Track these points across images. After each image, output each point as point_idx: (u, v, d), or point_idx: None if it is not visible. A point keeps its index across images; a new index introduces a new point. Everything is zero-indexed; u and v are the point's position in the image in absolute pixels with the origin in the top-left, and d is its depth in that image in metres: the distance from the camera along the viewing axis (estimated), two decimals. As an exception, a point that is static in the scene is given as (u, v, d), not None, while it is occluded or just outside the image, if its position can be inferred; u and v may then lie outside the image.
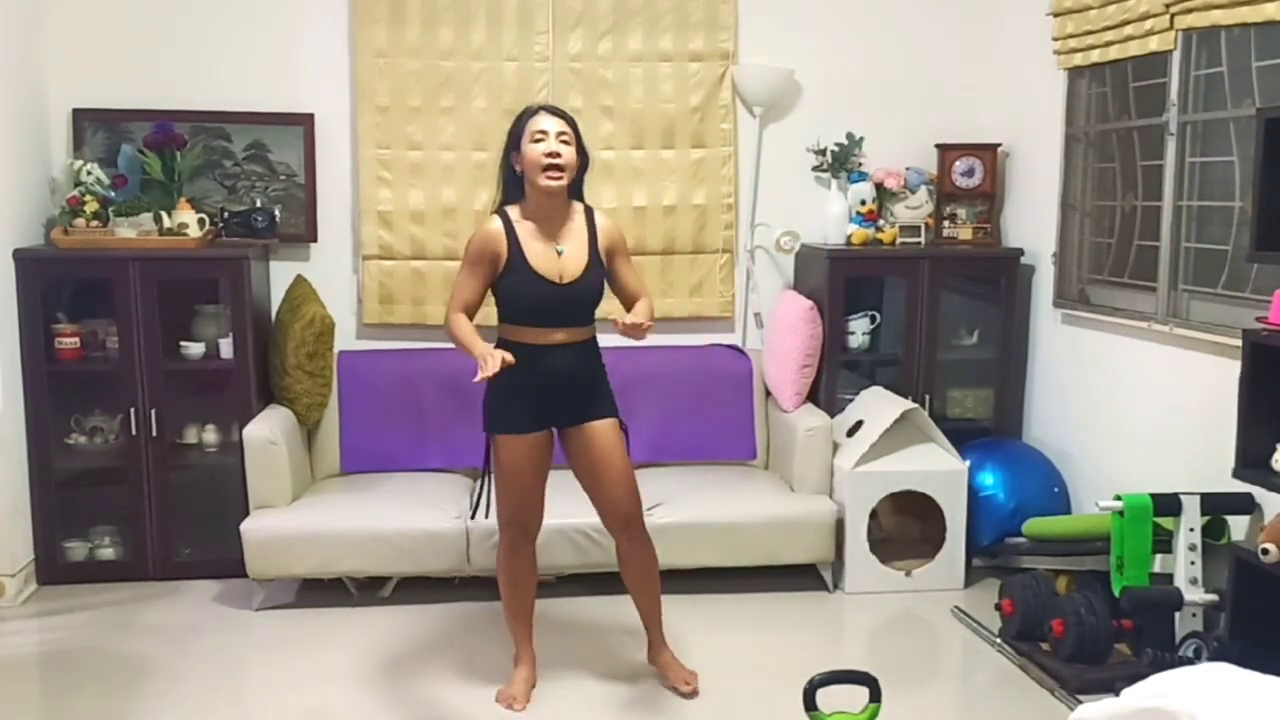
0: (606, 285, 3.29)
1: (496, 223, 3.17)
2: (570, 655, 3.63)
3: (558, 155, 3.08)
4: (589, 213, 3.26)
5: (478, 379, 2.97)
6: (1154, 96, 3.94)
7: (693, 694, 3.35)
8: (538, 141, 3.09)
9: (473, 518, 3.41)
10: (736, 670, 3.57)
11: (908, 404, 4.31)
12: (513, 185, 3.19)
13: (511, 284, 3.15)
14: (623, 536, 3.35)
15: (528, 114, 3.17)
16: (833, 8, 4.80)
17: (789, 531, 4.13)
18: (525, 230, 3.16)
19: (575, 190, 3.24)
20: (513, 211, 3.19)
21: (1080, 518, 4.05)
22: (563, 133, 3.11)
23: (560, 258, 3.16)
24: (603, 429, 3.25)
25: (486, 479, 3.35)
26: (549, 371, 3.16)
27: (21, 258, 4.09)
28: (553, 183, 3.10)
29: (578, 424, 3.25)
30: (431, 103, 4.57)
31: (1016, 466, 4.33)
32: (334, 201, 4.64)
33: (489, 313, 3.25)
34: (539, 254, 3.15)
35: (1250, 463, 3.10)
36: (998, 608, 3.78)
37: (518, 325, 3.17)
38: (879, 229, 4.74)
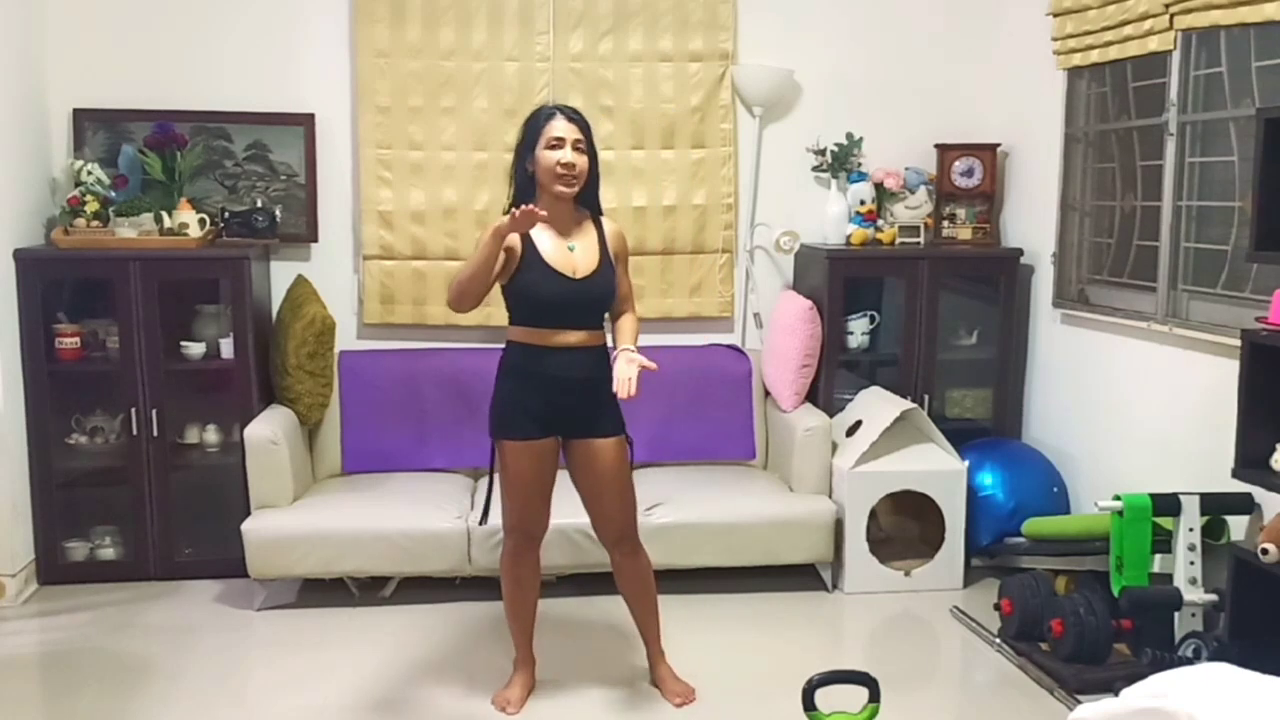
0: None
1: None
2: (567, 657, 3.63)
3: (572, 166, 3.09)
4: (596, 219, 3.26)
5: (533, 209, 2.91)
6: (1153, 96, 3.95)
7: (681, 706, 3.33)
8: (553, 148, 3.09)
9: (481, 523, 3.42)
10: (735, 670, 3.57)
11: (907, 404, 4.31)
12: (525, 187, 3.17)
13: (527, 279, 3.11)
14: (614, 550, 3.35)
15: (543, 116, 3.14)
16: (833, 8, 4.80)
17: (788, 531, 4.14)
18: (538, 228, 3.14)
19: (589, 200, 3.23)
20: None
21: (1079, 518, 4.05)
22: (578, 140, 3.11)
23: (573, 254, 3.15)
24: (607, 448, 3.22)
25: (491, 482, 3.33)
26: (558, 376, 3.13)
27: (22, 258, 4.10)
28: (566, 189, 3.12)
29: (582, 438, 3.22)
30: (432, 103, 4.57)
31: (1016, 466, 4.34)
32: (335, 201, 4.64)
33: (490, 312, 3.20)
34: (553, 250, 3.14)
35: (1249, 463, 3.11)
36: (997, 608, 3.79)
37: (530, 326, 3.14)
38: (878, 229, 4.74)
